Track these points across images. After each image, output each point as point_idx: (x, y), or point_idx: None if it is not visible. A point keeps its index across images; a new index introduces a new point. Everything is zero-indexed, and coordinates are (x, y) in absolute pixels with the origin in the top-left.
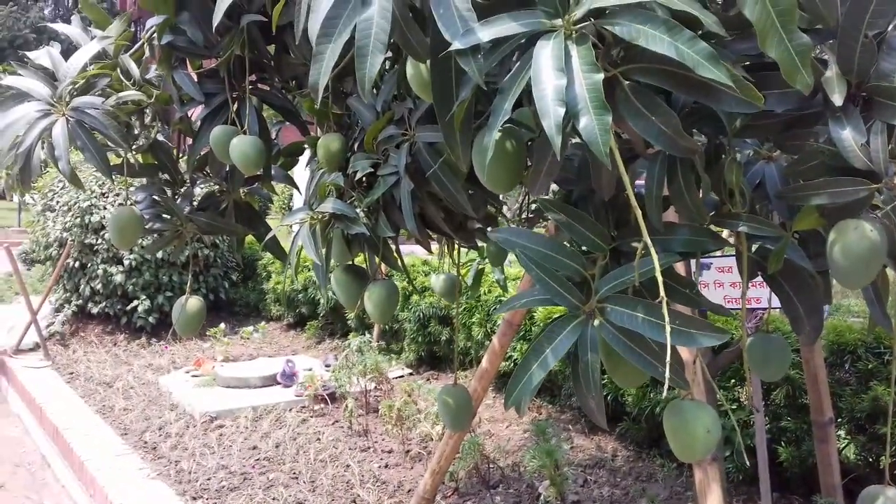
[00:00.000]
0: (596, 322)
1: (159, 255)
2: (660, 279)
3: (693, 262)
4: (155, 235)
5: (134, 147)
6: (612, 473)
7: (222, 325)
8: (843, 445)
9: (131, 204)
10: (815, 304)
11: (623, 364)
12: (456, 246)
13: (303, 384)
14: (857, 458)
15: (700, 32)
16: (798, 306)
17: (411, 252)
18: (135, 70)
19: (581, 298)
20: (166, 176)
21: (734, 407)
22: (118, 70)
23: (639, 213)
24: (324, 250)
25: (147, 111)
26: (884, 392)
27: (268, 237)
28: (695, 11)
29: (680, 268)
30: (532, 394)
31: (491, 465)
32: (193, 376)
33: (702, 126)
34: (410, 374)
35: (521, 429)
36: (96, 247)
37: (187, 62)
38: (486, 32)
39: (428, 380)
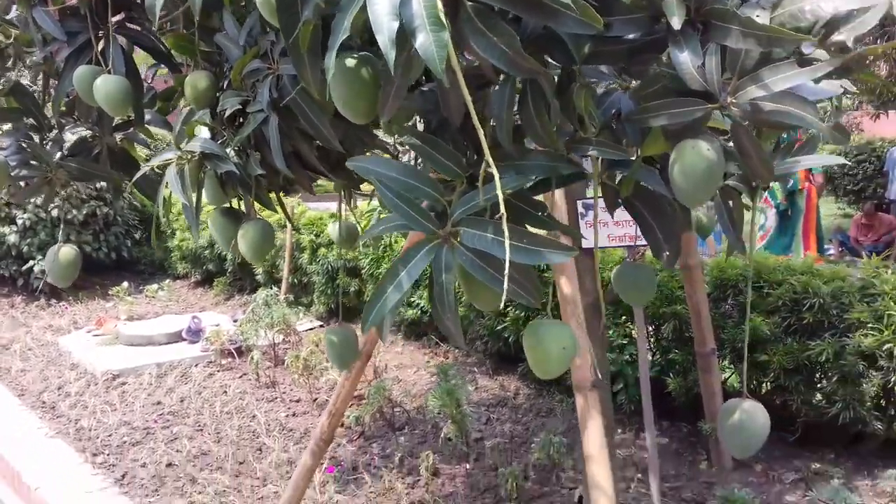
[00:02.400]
0: (450, 245)
1: (55, 213)
2: (501, 200)
3: (580, 202)
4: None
5: None
6: (514, 410)
7: (125, 284)
8: (728, 375)
9: None
10: (673, 230)
11: (480, 287)
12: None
13: (209, 339)
14: (739, 386)
15: None
16: (657, 232)
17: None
18: None
19: (437, 224)
20: (32, 121)
21: (625, 342)
22: None
23: (481, 134)
24: (194, 192)
25: (8, 52)
26: (761, 322)
27: (136, 176)
28: None
29: (565, 207)
30: (391, 315)
31: (397, 409)
32: (95, 335)
33: (553, 53)
34: (321, 325)
35: (429, 373)
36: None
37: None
38: None
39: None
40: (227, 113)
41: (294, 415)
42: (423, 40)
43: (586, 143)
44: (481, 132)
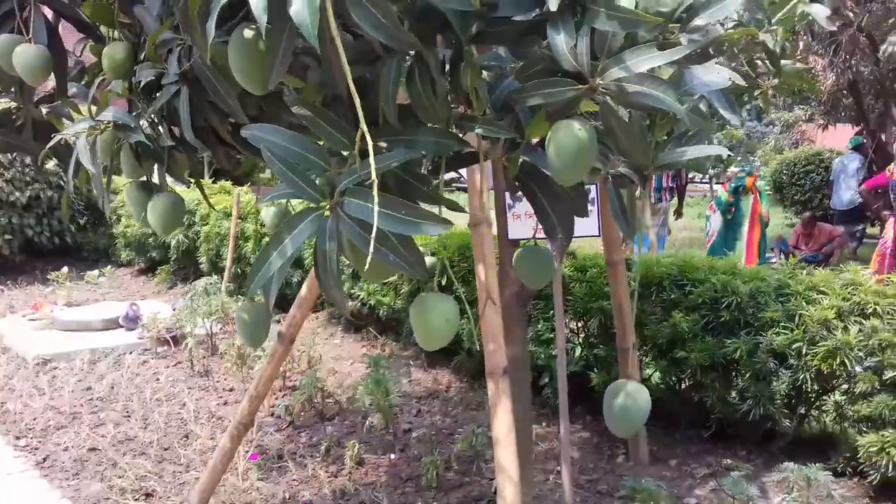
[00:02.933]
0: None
1: None
2: (374, 172)
3: (507, 193)
4: None
5: None
6: (445, 403)
7: (65, 269)
8: (651, 372)
9: None
10: (567, 215)
11: (364, 258)
12: None
13: (145, 327)
14: (659, 382)
15: None
16: (552, 216)
17: None
18: None
19: (323, 192)
20: None
21: (553, 335)
22: None
23: (358, 107)
24: (106, 163)
25: None
26: (681, 320)
27: (49, 145)
28: None
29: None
30: (276, 283)
31: (328, 399)
32: (31, 320)
33: (443, 32)
34: None
35: (364, 365)
36: None
37: None
38: None
39: (279, 321)
40: (142, 84)
41: (225, 403)
42: (297, 7)
43: (472, 121)
44: (359, 105)
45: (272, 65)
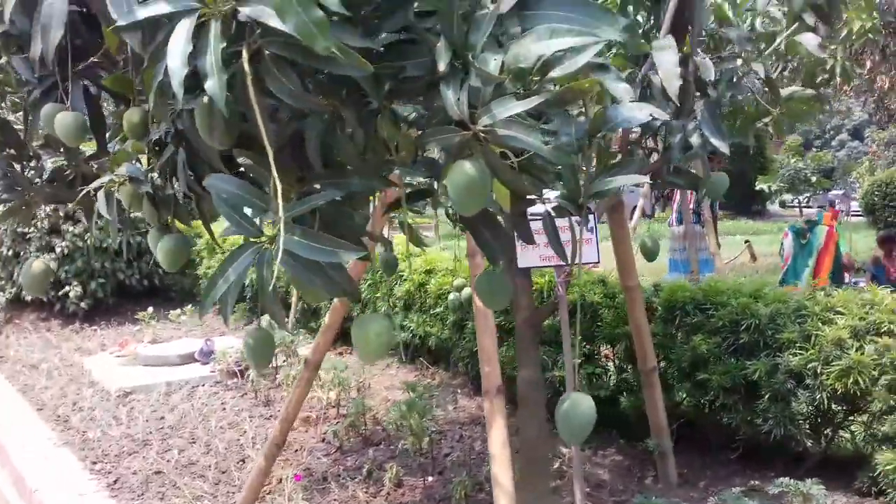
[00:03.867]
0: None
1: (89, 242)
2: (281, 208)
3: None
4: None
5: None
6: (486, 429)
7: (150, 309)
8: (682, 394)
9: None
10: (506, 242)
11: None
12: None
13: (217, 360)
14: (687, 403)
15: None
16: (492, 244)
17: None
18: None
19: (259, 229)
20: (12, 151)
21: (580, 360)
22: None
23: (271, 158)
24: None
25: None
26: (700, 342)
27: (78, 197)
28: None
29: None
30: (230, 304)
31: (377, 426)
32: (117, 357)
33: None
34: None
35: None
36: (29, 235)
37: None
38: (143, 12)
39: (341, 353)
40: (153, 142)
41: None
42: (211, 84)
43: (391, 165)
44: (271, 156)
45: (211, 127)
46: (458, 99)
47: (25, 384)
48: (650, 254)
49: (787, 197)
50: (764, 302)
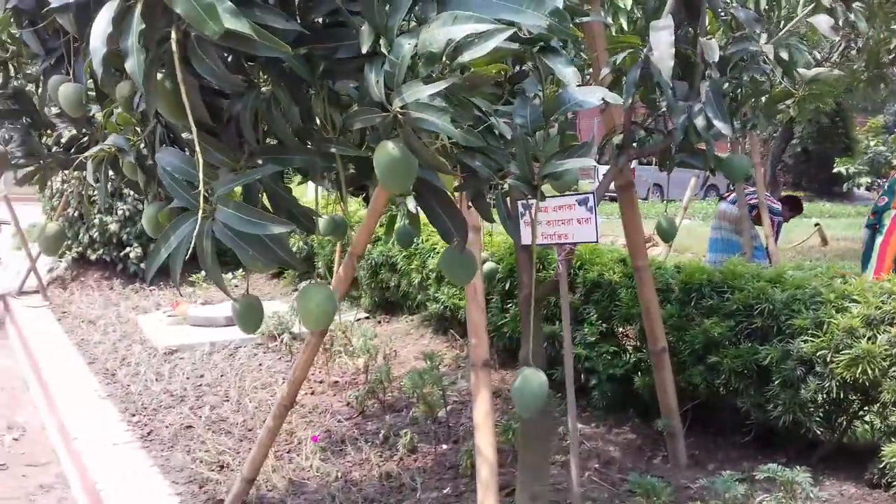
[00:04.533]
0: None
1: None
2: (198, 179)
3: (519, 203)
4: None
5: None
6: (508, 401)
7: (203, 272)
8: (694, 375)
9: None
10: (459, 219)
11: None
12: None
13: None
14: (701, 385)
15: None
16: (446, 220)
17: None
18: None
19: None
20: (29, 120)
21: (594, 339)
22: None
23: (194, 132)
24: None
25: (11, 65)
26: (711, 325)
27: (74, 164)
28: None
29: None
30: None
31: (403, 394)
32: (169, 316)
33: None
34: (367, 317)
35: (444, 365)
36: (93, 197)
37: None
38: None
39: (379, 322)
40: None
41: (312, 393)
42: (130, 63)
43: (329, 142)
44: (194, 129)
45: (149, 104)
46: (377, 81)
47: (82, 338)
48: (666, 234)
49: (865, 180)
50: (781, 287)
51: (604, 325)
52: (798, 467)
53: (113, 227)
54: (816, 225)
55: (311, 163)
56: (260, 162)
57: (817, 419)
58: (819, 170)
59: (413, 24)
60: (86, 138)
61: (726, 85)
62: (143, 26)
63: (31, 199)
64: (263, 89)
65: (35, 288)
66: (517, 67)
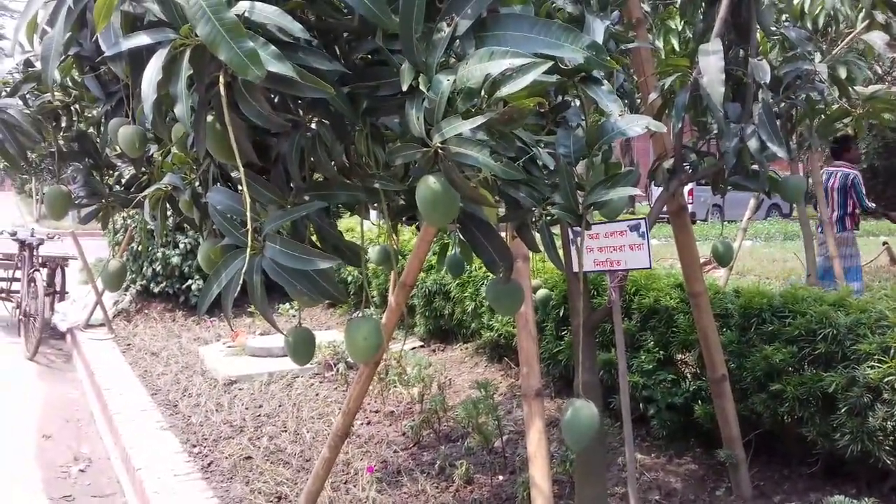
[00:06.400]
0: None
1: None
2: (247, 216)
3: (570, 230)
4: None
5: (63, 136)
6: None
7: None
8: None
9: (58, 183)
10: (504, 250)
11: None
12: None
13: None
14: (762, 412)
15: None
16: (490, 251)
17: None
18: (56, 76)
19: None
20: (92, 161)
21: (651, 367)
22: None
23: (242, 172)
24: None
25: (74, 109)
26: (772, 352)
27: (133, 203)
28: (285, 23)
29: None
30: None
31: (458, 424)
32: (228, 347)
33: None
34: (422, 346)
35: (499, 394)
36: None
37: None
38: (126, 43)
39: (434, 351)
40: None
41: (368, 423)
42: (179, 108)
43: (372, 178)
44: (242, 172)
45: (199, 142)
46: (417, 118)
47: (145, 370)
48: (722, 258)
49: None
50: (845, 311)
51: (661, 352)
52: (867, 499)
53: (175, 259)
54: (885, 244)
55: (355, 198)
56: (306, 198)
57: (886, 448)
58: (887, 186)
59: (452, 60)
60: (145, 177)
61: (781, 105)
62: (192, 71)
63: (98, 234)
64: (310, 127)
65: (101, 321)
66: (560, 98)
